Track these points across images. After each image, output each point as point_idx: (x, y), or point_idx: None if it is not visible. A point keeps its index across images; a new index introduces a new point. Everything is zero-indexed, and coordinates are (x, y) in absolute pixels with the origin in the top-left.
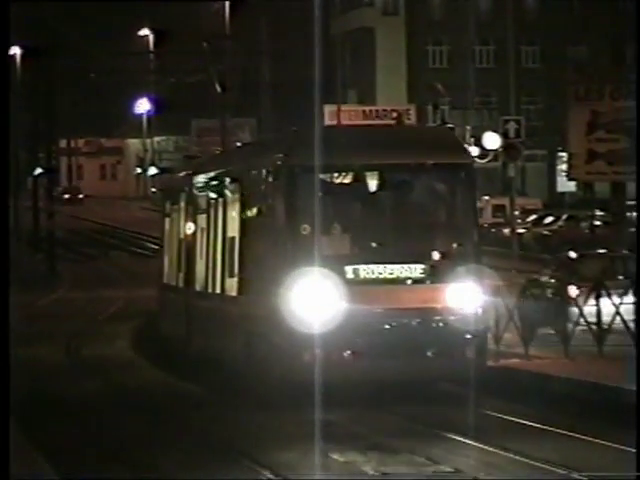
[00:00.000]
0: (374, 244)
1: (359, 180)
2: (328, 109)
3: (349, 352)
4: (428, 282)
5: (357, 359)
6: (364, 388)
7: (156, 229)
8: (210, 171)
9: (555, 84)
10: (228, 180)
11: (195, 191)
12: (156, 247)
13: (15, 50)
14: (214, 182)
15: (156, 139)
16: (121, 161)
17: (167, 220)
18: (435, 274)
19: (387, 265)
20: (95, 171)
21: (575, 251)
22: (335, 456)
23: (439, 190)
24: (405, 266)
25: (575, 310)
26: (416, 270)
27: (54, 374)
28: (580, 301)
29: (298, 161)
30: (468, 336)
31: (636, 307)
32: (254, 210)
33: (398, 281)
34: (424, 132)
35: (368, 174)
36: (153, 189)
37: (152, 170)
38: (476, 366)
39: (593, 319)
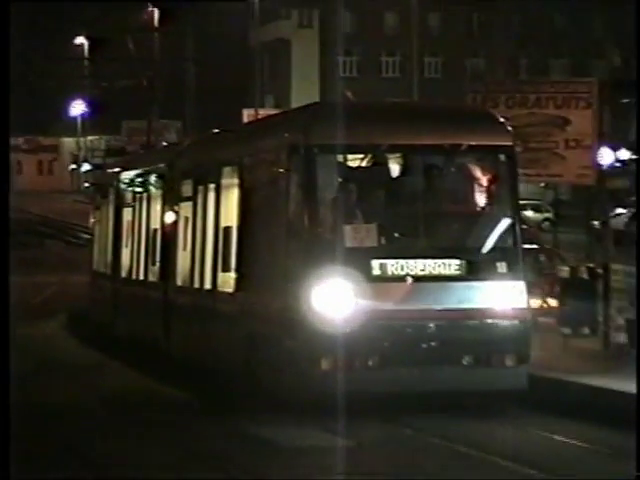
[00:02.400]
0: (404, 236)
1: (387, 163)
2: (247, 112)
3: (374, 359)
4: (465, 280)
5: (383, 367)
6: (391, 401)
7: (87, 220)
8: (195, 158)
9: (454, 93)
10: (220, 166)
11: (180, 181)
12: (88, 236)
13: None
14: (200, 170)
15: (89, 138)
16: (57, 158)
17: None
18: (473, 271)
19: (418, 260)
20: (33, 167)
21: None
22: None
23: (478, 175)
24: (439, 261)
25: None
26: (451, 266)
27: None
28: None
29: (318, 140)
30: (510, 342)
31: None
32: (261, 197)
33: (431, 278)
34: (460, 111)
35: (398, 156)
36: (86, 184)
37: (85, 166)
38: (518, 376)
39: None
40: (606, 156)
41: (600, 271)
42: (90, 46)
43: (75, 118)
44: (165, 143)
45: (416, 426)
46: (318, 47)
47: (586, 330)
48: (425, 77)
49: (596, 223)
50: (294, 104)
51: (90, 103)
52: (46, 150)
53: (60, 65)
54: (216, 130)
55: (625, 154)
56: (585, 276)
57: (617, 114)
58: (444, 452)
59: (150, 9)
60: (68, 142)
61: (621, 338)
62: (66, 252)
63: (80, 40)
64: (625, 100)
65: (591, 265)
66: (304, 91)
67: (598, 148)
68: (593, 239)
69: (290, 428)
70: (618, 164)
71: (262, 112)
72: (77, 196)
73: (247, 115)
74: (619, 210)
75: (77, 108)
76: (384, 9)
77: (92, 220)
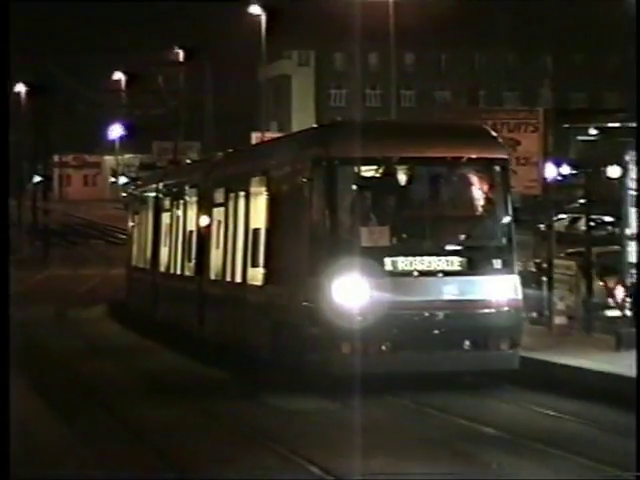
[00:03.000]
0: (412, 236)
1: (398, 173)
2: (255, 135)
3: (387, 344)
4: (466, 274)
5: (394, 351)
6: (402, 380)
7: (124, 223)
8: (226, 170)
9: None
10: (249, 176)
11: (213, 189)
12: (124, 237)
13: (20, 88)
14: (231, 180)
15: (125, 156)
16: (99, 172)
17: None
18: (472, 266)
19: (425, 257)
20: (80, 180)
21: None
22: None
23: (477, 184)
24: (443, 259)
25: None
26: (454, 262)
27: (44, 330)
28: None
29: (338, 154)
30: (505, 329)
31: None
32: (287, 202)
33: (436, 273)
34: (461, 128)
35: (407, 167)
36: (123, 194)
37: (122, 179)
38: (511, 358)
39: None
40: (550, 171)
41: (545, 265)
42: (126, 81)
43: (114, 140)
44: (188, 160)
45: (421, 401)
46: (314, 82)
47: (534, 314)
48: (402, 107)
49: (542, 226)
50: (294, 128)
51: (126, 127)
52: (90, 166)
53: (102, 96)
54: (240, 147)
55: (566, 169)
56: (533, 269)
57: (559, 137)
58: (440, 422)
59: (176, 50)
60: (108, 159)
61: (562, 320)
62: (107, 250)
63: (118, 75)
64: (565, 125)
65: (538, 260)
66: (302, 118)
67: (543, 164)
68: (539, 239)
69: (304, 399)
70: (560, 177)
71: (268, 135)
72: (115, 204)
73: (255, 137)
74: (561, 215)
75: (116, 131)
76: (368, 50)
77: (131, 224)
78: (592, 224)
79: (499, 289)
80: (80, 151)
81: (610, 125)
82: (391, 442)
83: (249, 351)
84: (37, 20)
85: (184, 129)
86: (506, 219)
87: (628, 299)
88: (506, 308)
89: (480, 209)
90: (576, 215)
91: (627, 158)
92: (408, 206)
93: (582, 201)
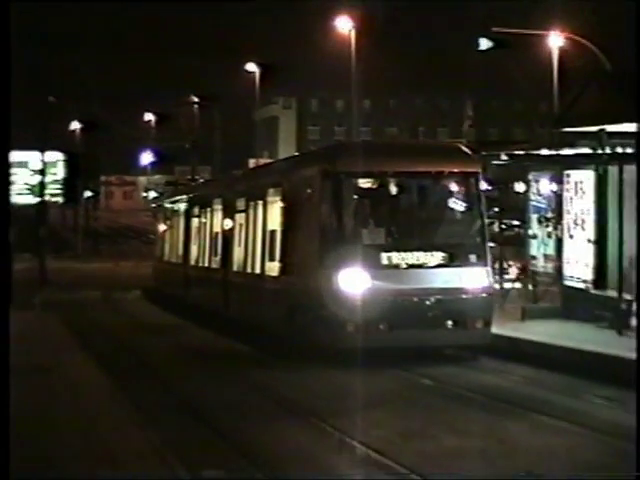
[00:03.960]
0: (404, 236)
1: (391, 184)
2: (252, 160)
3: (384, 324)
4: (447, 267)
5: (390, 330)
6: (396, 353)
7: (153, 227)
8: (246, 183)
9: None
10: (266, 187)
11: (233, 197)
12: (153, 237)
13: (75, 125)
14: (251, 191)
15: (154, 177)
16: (135, 189)
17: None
18: (453, 260)
19: (414, 253)
20: (120, 195)
21: None
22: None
23: (455, 192)
24: (429, 253)
25: None
26: (438, 257)
27: (95, 307)
28: None
29: (342, 168)
30: (479, 311)
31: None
32: (299, 208)
33: (423, 266)
34: (443, 147)
35: (399, 179)
36: (152, 204)
37: (152, 194)
38: (484, 335)
39: None
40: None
41: None
42: (156, 120)
43: (146, 165)
44: (201, 179)
45: (413, 370)
46: (295, 121)
47: None
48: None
49: None
50: (281, 156)
51: (155, 155)
52: (128, 184)
53: (137, 131)
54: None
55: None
56: None
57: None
58: (429, 388)
59: (192, 97)
60: (141, 179)
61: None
62: (140, 247)
63: (149, 116)
64: (484, 153)
65: None
66: (286, 148)
67: None
68: None
69: (313, 368)
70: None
71: (261, 160)
72: (146, 212)
73: (252, 162)
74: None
75: (147, 158)
76: (336, 97)
77: (162, 227)
78: (503, 226)
79: (474, 278)
80: (120, 173)
81: (516, 152)
82: (390, 403)
83: (267, 329)
84: (87, 75)
85: (198, 156)
86: (480, 221)
87: (521, 276)
88: (480, 294)
89: (458, 213)
90: (492, 220)
91: (529, 177)
92: (400, 211)
93: (496, 209)
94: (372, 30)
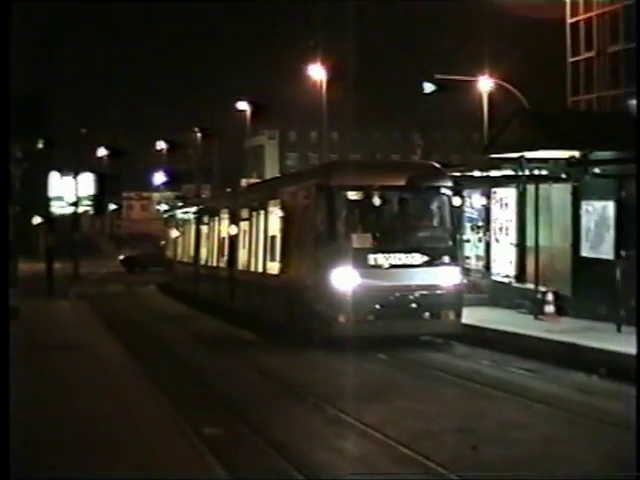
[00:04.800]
0: (387, 240)
1: (376, 196)
2: (244, 180)
3: (371, 315)
4: (425, 266)
5: (377, 320)
6: (382, 340)
7: (164, 233)
8: (250, 195)
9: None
10: (268, 199)
11: (240, 207)
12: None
13: (102, 152)
14: (254, 202)
15: (165, 193)
16: (150, 203)
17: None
18: (429, 261)
19: (396, 254)
20: (139, 207)
21: None
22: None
23: (431, 203)
24: (409, 255)
25: None
26: (416, 258)
27: (119, 297)
28: None
29: (336, 182)
30: (452, 304)
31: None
32: (296, 216)
33: (404, 266)
34: (420, 165)
35: (383, 192)
36: (164, 215)
37: (163, 207)
38: (456, 325)
39: None
40: None
41: None
42: (167, 147)
43: (159, 184)
44: (204, 195)
45: (395, 355)
46: (278, 149)
47: None
48: None
49: None
50: (267, 177)
51: (167, 175)
52: (144, 199)
53: (152, 156)
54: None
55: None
56: None
57: None
58: (411, 368)
59: (196, 130)
60: (155, 195)
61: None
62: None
63: (161, 145)
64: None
65: None
66: (271, 171)
67: None
68: None
69: (309, 352)
70: None
71: (251, 180)
72: (159, 222)
73: (244, 182)
74: None
75: (159, 178)
76: (309, 130)
77: (174, 232)
78: None
79: (448, 277)
80: (138, 190)
81: (454, 174)
82: (378, 383)
83: (268, 319)
84: (112, 112)
85: (201, 176)
86: (452, 227)
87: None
88: (453, 290)
89: (434, 221)
90: None
91: (464, 193)
92: (384, 219)
93: None
94: (340, 75)
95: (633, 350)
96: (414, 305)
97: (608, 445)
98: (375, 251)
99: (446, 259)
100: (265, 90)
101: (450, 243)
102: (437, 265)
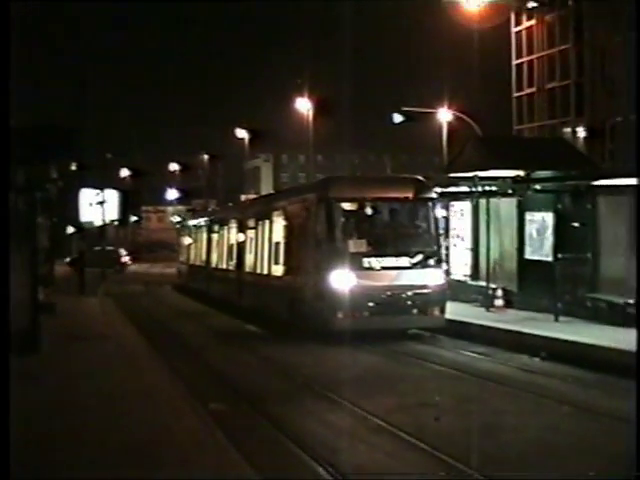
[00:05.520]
0: (380, 246)
1: (370, 207)
2: (243, 196)
3: (366, 312)
4: (412, 268)
5: (371, 316)
6: (375, 334)
7: (176, 241)
8: (256, 207)
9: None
10: (272, 210)
11: (247, 217)
12: (177, 248)
13: (125, 172)
14: (260, 212)
15: (178, 207)
16: (165, 215)
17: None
18: (416, 263)
19: (388, 258)
20: (156, 219)
21: None
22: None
23: (417, 212)
24: (399, 258)
25: None
26: (405, 261)
27: (140, 295)
28: None
29: (334, 194)
30: (437, 301)
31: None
32: (298, 224)
33: (395, 268)
34: (408, 179)
35: (375, 203)
36: (177, 225)
37: (176, 218)
38: (440, 320)
39: None
40: None
41: None
42: (179, 169)
43: (172, 199)
44: (210, 208)
45: (388, 347)
46: (272, 170)
47: None
48: None
49: None
50: (262, 193)
51: (179, 192)
52: (160, 212)
53: (166, 176)
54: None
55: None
56: None
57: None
58: (402, 358)
59: (204, 154)
60: (169, 208)
61: None
62: (169, 255)
63: (174, 166)
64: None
65: None
66: (266, 188)
67: None
68: None
69: (311, 345)
70: None
71: (250, 196)
72: (172, 231)
73: (243, 197)
74: None
75: (173, 194)
76: (298, 153)
77: (187, 240)
78: None
79: (433, 277)
80: (155, 204)
81: None
82: (373, 372)
83: (272, 315)
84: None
85: (208, 193)
86: (436, 234)
87: None
88: (437, 289)
89: (420, 228)
90: None
91: None
92: (377, 227)
93: None
94: (324, 106)
95: (568, 336)
96: (404, 303)
97: (548, 416)
98: (369, 255)
99: (431, 262)
100: (261, 119)
101: (435, 248)
102: (424, 267)
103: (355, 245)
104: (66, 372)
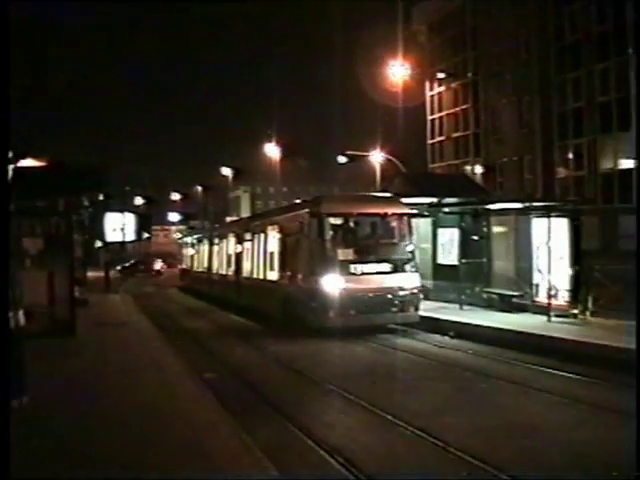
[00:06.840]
0: (364, 254)
1: (355, 221)
2: (228, 218)
3: (353, 311)
4: (392, 273)
5: (357, 315)
6: (360, 329)
7: (179, 252)
8: (253, 223)
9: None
10: (267, 224)
11: (248, 230)
12: (179, 258)
13: (139, 201)
14: (257, 227)
15: (180, 226)
16: (170, 233)
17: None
18: (395, 269)
19: (371, 264)
20: (162, 236)
21: None
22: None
23: (396, 225)
24: (380, 265)
25: None
26: (386, 267)
27: (152, 295)
28: None
29: (325, 210)
30: (412, 301)
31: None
32: (292, 237)
33: (377, 273)
34: (386, 198)
35: (360, 218)
36: (179, 240)
37: (179, 235)
38: (415, 316)
39: None
40: None
41: None
42: (180, 198)
43: (175, 220)
44: (208, 226)
45: (374, 340)
46: (249, 199)
47: None
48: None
49: None
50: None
51: (180, 215)
52: (166, 230)
53: (170, 204)
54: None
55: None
56: None
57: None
58: (386, 351)
59: (197, 186)
60: (173, 228)
61: None
62: (174, 263)
63: (176, 196)
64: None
65: None
66: (245, 213)
67: None
68: None
69: (305, 340)
70: None
71: (234, 217)
72: (175, 245)
73: (228, 219)
74: None
75: (174, 216)
76: (269, 186)
77: (190, 251)
78: None
79: (409, 281)
80: (162, 224)
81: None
82: (362, 363)
83: (268, 313)
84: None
85: (202, 215)
86: (411, 244)
87: None
88: (412, 290)
89: (398, 239)
90: None
91: None
92: (361, 238)
93: None
94: (288, 149)
95: (470, 320)
96: (385, 302)
97: (455, 380)
98: (355, 262)
99: (407, 267)
100: (241, 160)
101: (410, 255)
102: (401, 272)
103: (343, 254)
104: (96, 349)
